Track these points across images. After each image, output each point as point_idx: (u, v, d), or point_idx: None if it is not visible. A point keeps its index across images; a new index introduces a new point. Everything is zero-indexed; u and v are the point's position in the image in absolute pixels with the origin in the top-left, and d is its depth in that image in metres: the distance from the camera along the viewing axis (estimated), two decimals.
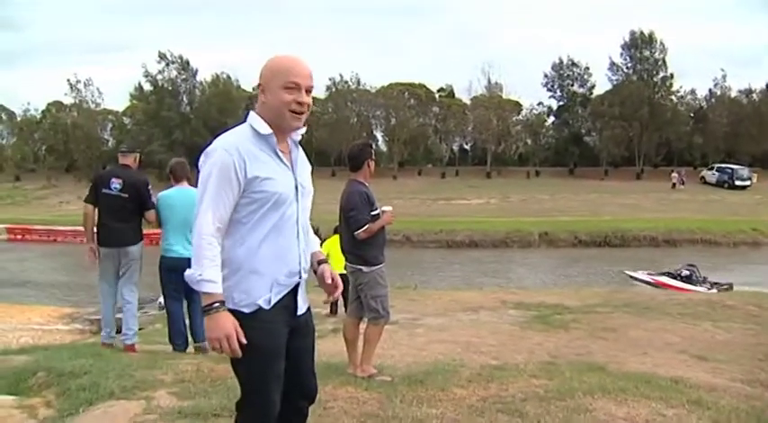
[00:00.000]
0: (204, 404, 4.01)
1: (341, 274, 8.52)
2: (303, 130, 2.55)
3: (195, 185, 2.59)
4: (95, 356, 4.85)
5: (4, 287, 19.31)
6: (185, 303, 6.47)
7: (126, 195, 6.13)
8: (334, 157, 60.04)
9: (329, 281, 2.63)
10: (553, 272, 23.69)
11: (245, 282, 2.39)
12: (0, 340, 10.47)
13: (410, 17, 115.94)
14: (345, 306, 9.80)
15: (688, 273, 18.36)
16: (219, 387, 4.33)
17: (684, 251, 26.57)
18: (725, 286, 17.06)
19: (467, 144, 67.55)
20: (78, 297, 15.87)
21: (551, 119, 62.48)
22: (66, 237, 31.21)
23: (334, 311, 9.99)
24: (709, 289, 16.64)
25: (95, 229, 6.24)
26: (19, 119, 69.52)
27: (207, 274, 2.27)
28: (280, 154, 2.43)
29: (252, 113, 2.45)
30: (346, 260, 5.09)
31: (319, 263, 2.68)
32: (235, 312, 2.35)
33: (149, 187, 6.34)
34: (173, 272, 5.91)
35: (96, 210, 6.23)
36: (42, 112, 67.43)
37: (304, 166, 2.57)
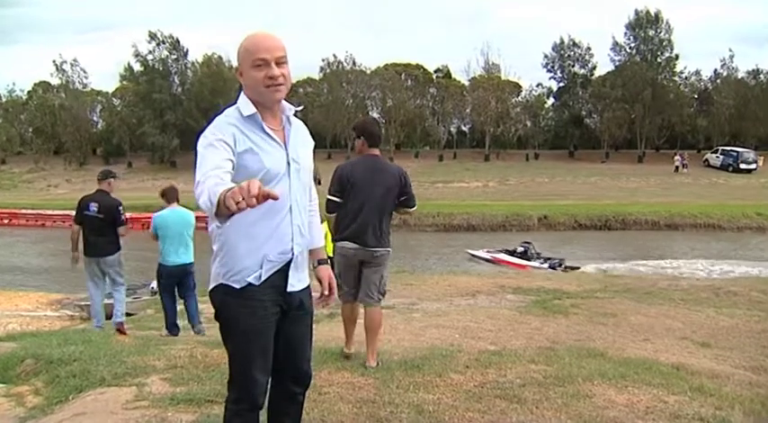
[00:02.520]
0: (197, 390, 3.95)
1: (331, 257, 8.42)
2: (299, 107, 2.61)
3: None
4: (85, 343, 4.79)
5: None
6: (181, 302, 7.83)
7: (102, 216, 7.69)
8: (330, 139, 59.93)
9: (326, 290, 2.71)
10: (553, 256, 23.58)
11: (236, 257, 2.42)
12: None
13: None
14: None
15: (523, 249, 19.85)
16: (213, 373, 4.27)
17: (686, 235, 26.53)
18: (556, 261, 18.92)
19: (465, 126, 67.31)
20: (67, 283, 15.74)
21: (551, 100, 62.14)
22: (55, 221, 30.82)
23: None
24: (541, 264, 18.80)
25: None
26: (4, 100, 68.26)
27: (209, 196, 2.05)
28: (269, 131, 2.44)
29: (241, 95, 2.48)
30: (379, 244, 4.81)
31: (319, 262, 2.75)
32: (225, 286, 2.42)
33: (120, 208, 7.83)
34: (169, 277, 7.51)
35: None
36: (28, 92, 66.28)
37: (301, 142, 2.58)
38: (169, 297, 7.60)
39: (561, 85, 60.13)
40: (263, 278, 2.42)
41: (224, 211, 1.94)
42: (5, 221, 34.75)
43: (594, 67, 59.25)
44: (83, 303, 11.08)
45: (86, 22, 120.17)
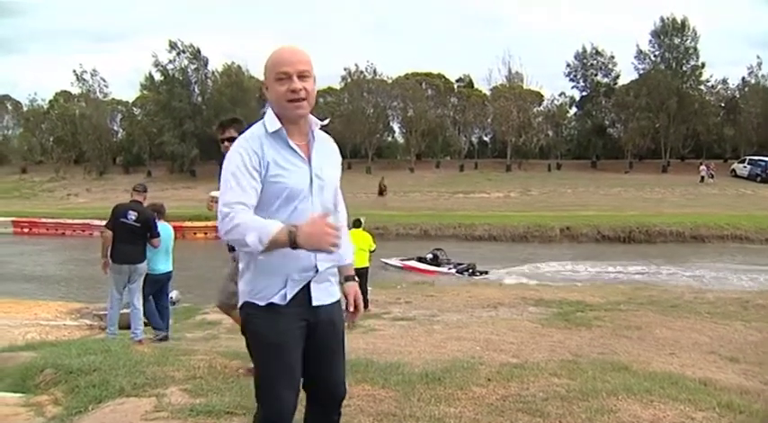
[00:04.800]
0: (217, 401, 3.92)
1: (360, 268, 8.40)
2: (325, 121, 2.58)
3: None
4: (104, 353, 4.78)
5: (10, 282, 19.30)
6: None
7: (139, 225, 7.99)
8: (350, 148, 60.01)
9: (351, 307, 2.69)
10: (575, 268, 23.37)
11: (261, 276, 2.43)
12: (6, 336, 10.50)
13: (427, 4, 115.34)
14: (363, 301, 9.74)
15: (432, 255, 20.47)
16: (233, 384, 4.25)
17: (713, 247, 26.09)
18: (464, 266, 19.60)
19: (486, 136, 67.11)
20: (87, 292, 15.89)
21: (574, 110, 61.65)
22: (75, 230, 31.21)
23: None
24: (450, 269, 19.49)
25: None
26: (25, 109, 69.23)
27: (258, 238, 2.19)
28: (294, 147, 2.44)
29: (268, 110, 2.48)
30: None
31: (346, 279, 2.71)
32: (250, 304, 2.45)
33: (156, 220, 8.26)
34: (155, 283, 8.41)
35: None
36: (49, 102, 66.97)
37: (325, 157, 2.55)
38: (149, 302, 8.39)
39: (584, 94, 59.71)
40: (288, 298, 2.42)
41: (275, 248, 2.19)
42: (26, 230, 35.14)
43: (618, 76, 58.79)
44: (102, 313, 11.15)
45: (106, 32, 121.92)
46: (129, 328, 8.11)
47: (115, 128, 65.48)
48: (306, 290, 2.46)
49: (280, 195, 2.38)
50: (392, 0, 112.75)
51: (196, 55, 59.04)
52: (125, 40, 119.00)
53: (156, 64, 58.48)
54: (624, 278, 18.90)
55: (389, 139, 66.61)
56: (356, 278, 2.78)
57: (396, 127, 64.86)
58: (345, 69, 61.11)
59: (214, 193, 5.47)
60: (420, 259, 20.58)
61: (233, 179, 2.33)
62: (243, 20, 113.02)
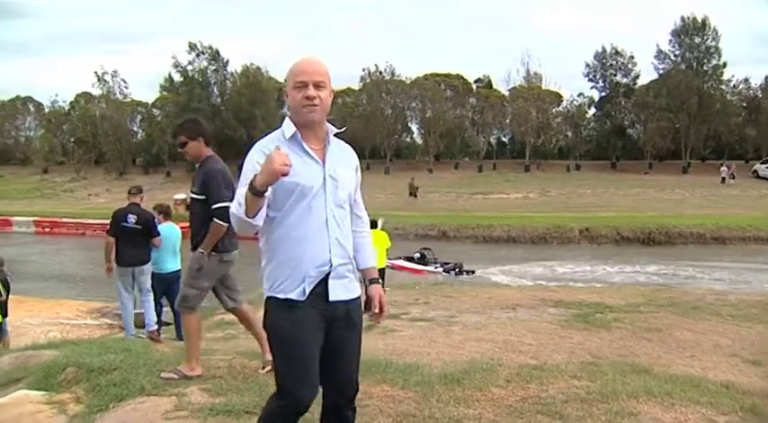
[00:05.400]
0: (236, 401, 3.95)
1: (380, 269, 8.44)
2: (341, 129, 2.80)
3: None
4: (125, 352, 4.83)
5: (31, 281, 19.49)
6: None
7: (140, 227, 8.31)
8: (369, 149, 60.01)
9: (377, 308, 2.84)
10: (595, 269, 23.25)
11: (279, 270, 2.61)
12: (28, 335, 10.65)
13: (446, 4, 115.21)
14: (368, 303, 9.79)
15: (419, 255, 20.83)
16: (252, 384, 4.28)
17: (734, 249, 25.78)
18: (451, 265, 20.02)
19: (505, 137, 66.98)
20: (106, 291, 16.02)
21: (593, 110, 61.30)
22: (96, 230, 31.36)
23: (368, 308, 9.92)
24: (436, 268, 19.88)
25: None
26: (47, 110, 70.18)
27: (237, 202, 2.48)
28: (309, 150, 2.64)
29: (286, 118, 2.72)
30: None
31: (370, 281, 2.86)
32: (271, 298, 2.62)
33: (155, 220, 8.61)
34: (160, 282, 8.68)
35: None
36: (70, 103, 67.81)
37: (340, 161, 2.73)
38: (156, 301, 8.74)
39: (603, 94, 59.35)
40: (307, 293, 2.57)
41: (254, 204, 2.39)
42: (47, 230, 35.63)
43: (638, 76, 58.38)
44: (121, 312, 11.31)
45: (127, 33, 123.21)
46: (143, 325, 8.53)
47: (135, 129, 66.08)
48: (324, 285, 2.60)
49: (292, 193, 2.56)
50: (411, 1, 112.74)
51: (215, 56, 59.42)
52: (145, 41, 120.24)
53: (176, 65, 59.06)
54: (644, 279, 18.77)
55: (408, 139, 66.61)
56: (379, 281, 2.88)
57: (414, 128, 64.91)
58: (364, 70, 61.30)
59: (177, 196, 5.89)
60: (408, 258, 20.81)
61: (244, 178, 2.52)
62: (262, 21, 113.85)
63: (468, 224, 30.00)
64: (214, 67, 59.43)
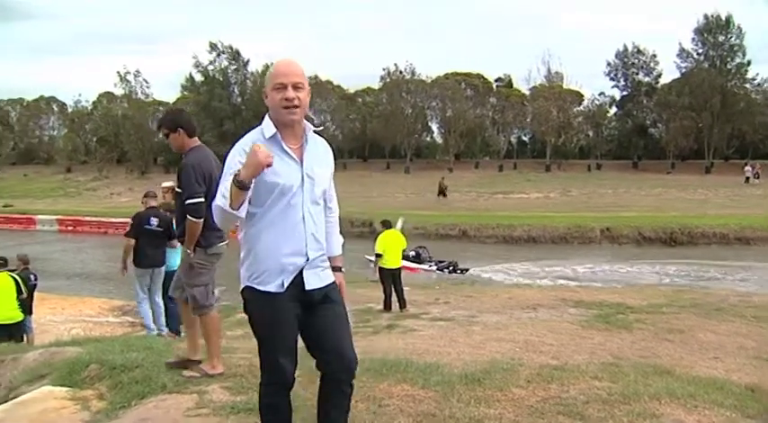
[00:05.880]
0: (257, 399, 3.96)
1: (396, 268, 8.46)
2: (319, 127, 2.98)
3: None
4: (147, 350, 4.88)
5: (55, 279, 19.76)
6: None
7: (161, 229, 8.44)
8: (389, 149, 60.00)
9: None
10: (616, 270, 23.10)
11: (258, 263, 2.79)
12: (52, 332, 10.79)
13: (466, 3, 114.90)
14: (400, 301, 9.82)
15: (415, 253, 21.19)
16: None
17: (758, 250, 25.40)
18: (445, 264, 20.65)
19: (525, 136, 66.69)
20: (127, 290, 16.19)
21: (614, 110, 60.87)
22: (118, 229, 31.73)
23: (388, 307, 9.96)
24: (430, 266, 20.59)
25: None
26: (70, 110, 71.14)
27: (222, 194, 2.67)
28: (288, 150, 2.79)
29: (266, 117, 2.86)
30: None
31: (334, 269, 3.01)
32: (249, 287, 2.82)
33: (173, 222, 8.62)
34: (169, 278, 8.33)
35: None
36: (93, 103, 68.64)
37: (317, 159, 2.88)
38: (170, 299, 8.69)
39: (625, 93, 58.88)
40: (285, 286, 2.77)
41: (238, 196, 2.57)
42: (70, 228, 36.06)
43: (660, 75, 57.86)
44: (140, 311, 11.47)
45: (149, 34, 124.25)
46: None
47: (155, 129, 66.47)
48: (300, 276, 2.79)
49: (273, 191, 2.73)
50: (431, 0, 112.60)
51: (235, 56, 59.76)
52: (167, 41, 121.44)
53: (197, 65, 59.48)
54: (666, 280, 18.61)
55: (428, 139, 66.53)
56: (342, 269, 3.06)
57: (434, 127, 64.87)
58: (384, 69, 61.32)
59: (165, 184, 6.06)
60: (403, 257, 20.97)
61: (224, 176, 2.72)
62: (283, 21, 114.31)
63: (489, 224, 29.92)
64: (234, 67, 59.76)
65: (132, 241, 8.50)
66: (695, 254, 24.44)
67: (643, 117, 58.85)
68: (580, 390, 4.33)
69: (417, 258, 21.02)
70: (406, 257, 21.18)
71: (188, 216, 4.50)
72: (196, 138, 4.80)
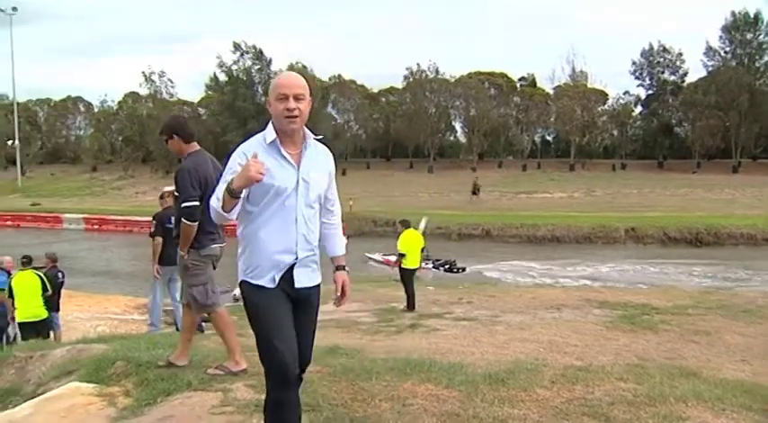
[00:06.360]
0: None
1: (413, 269, 8.49)
2: (319, 136, 3.09)
3: None
4: (172, 347, 4.91)
5: (81, 276, 20.03)
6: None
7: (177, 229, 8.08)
8: (412, 148, 59.93)
9: (339, 292, 3.15)
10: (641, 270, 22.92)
11: (252, 258, 2.98)
12: (79, 329, 10.95)
13: (490, 2, 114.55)
14: (410, 301, 9.89)
15: None
16: None
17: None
18: (441, 262, 20.82)
19: (549, 135, 66.31)
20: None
21: (639, 109, 60.27)
22: (143, 227, 32.10)
23: (411, 307, 9.96)
24: (426, 264, 19.53)
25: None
26: (96, 110, 71.91)
27: (216, 197, 2.84)
28: (285, 155, 2.96)
29: (269, 123, 3.01)
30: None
31: (337, 268, 3.20)
32: (244, 282, 2.99)
33: None
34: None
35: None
36: (119, 103, 69.13)
37: (314, 165, 3.04)
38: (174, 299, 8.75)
39: (650, 92, 58.28)
40: (276, 281, 2.95)
41: (230, 202, 2.75)
42: (96, 227, 36.55)
43: (686, 74, 57.21)
44: (168, 308, 11.58)
45: (174, 34, 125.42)
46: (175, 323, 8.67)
47: None
48: (290, 273, 2.97)
49: (268, 192, 2.89)
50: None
51: (259, 56, 59.94)
52: (191, 41, 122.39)
53: (221, 65, 59.71)
54: (691, 281, 18.39)
55: (451, 138, 66.38)
56: (345, 268, 3.19)
57: (458, 126, 64.68)
58: (407, 69, 61.24)
59: (167, 188, 6.18)
60: (402, 255, 21.36)
61: (224, 177, 2.90)
62: (307, 20, 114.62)
63: (513, 224, 29.81)
64: (258, 67, 59.96)
65: (160, 240, 8.48)
66: (722, 255, 24.16)
67: (669, 116, 58.19)
68: (605, 391, 4.30)
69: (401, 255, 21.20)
70: (403, 255, 21.75)
71: (183, 219, 4.62)
72: (195, 143, 4.91)
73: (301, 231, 2.97)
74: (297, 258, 2.97)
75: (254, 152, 2.83)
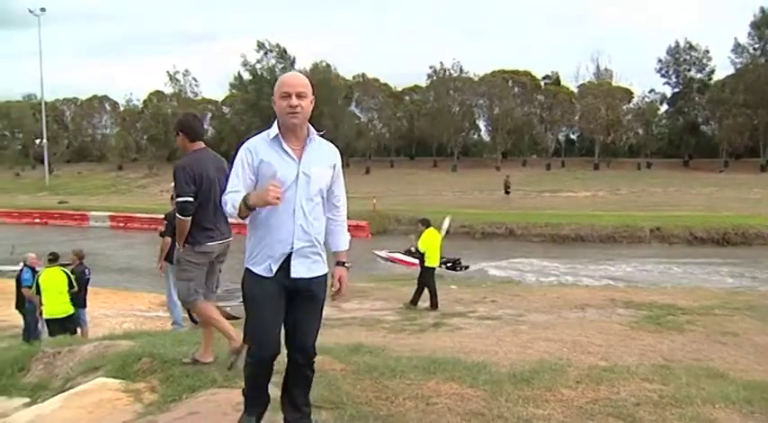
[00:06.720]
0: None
1: (434, 267, 8.51)
2: (321, 131, 3.26)
3: None
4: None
5: (107, 273, 20.22)
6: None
7: None
8: (436, 147, 59.79)
9: (336, 286, 3.28)
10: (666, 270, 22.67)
11: (253, 246, 3.17)
12: (104, 325, 11.08)
13: (514, 0, 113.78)
14: (415, 296, 9.97)
15: (416, 249, 20.48)
16: (321, 379, 4.31)
17: None
18: (444, 260, 20.01)
19: (574, 134, 65.75)
20: None
21: (665, 107, 59.60)
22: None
23: (434, 305, 9.96)
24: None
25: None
26: (122, 109, 72.74)
27: (232, 205, 3.05)
28: (287, 149, 3.14)
29: (275, 121, 3.20)
30: (230, 231, 4.95)
31: (337, 263, 3.33)
32: (246, 269, 3.18)
33: None
34: None
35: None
36: (144, 102, 69.96)
37: (316, 160, 3.18)
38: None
39: (676, 90, 57.63)
40: (273, 270, 3.11)
41: (245, 213, 2.99)
42: (121, 224, 36.90)
43: (713, 71, 56.55)
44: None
45: (198, 33, 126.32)
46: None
47: (205, 126, 67.03)
48: (287, 263, 3.12)
49: (269, 181, 3.01)
50: None
51: (283, 54, 60.20)
52: (216, 40, 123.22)
53: (245, 64, 60.11)
54: (718, 281, 18.16)
55: (475, 137, 66.11)
56: (345, 264, 3.32)
57: (482, 125, 64.41)
58: (431, 67, 61.13)
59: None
60: (406, 252, 22.00)
61: (233, 171, 3.16)
62: (330, 19, 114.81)
63: (536, 222, 29.63)
64: (282, 65, 60.18)
65: (168, 240, 8.58)
66: (749, 255, 23.80)
67: (695, 114, 57.50)
68: (630, 392, 4.27)
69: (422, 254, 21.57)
70: (408, 252, 22.00)
71: (177, 214, 4.70)
72: (200, 142, 4.97)
73: (299, 222, 3.11)
74: (293, 249, 3.11)
75: (272, 183, 2.96)
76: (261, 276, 3.14)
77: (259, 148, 3.16)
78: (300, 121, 3.14)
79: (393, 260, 22.77)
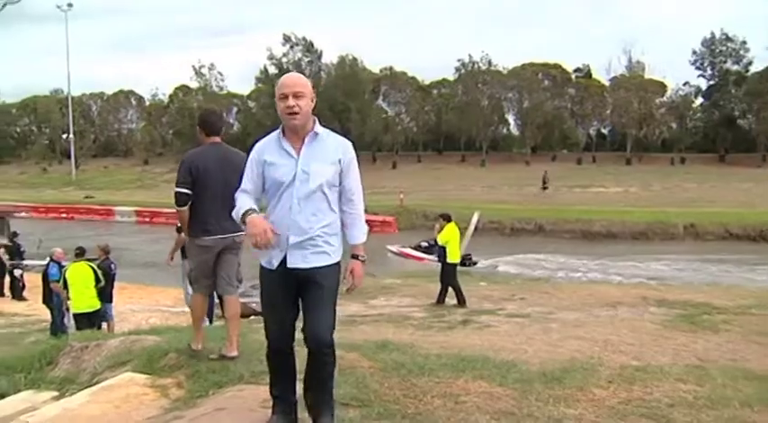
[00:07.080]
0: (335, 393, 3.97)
1: (456, 263, 8.48)
2: (321, 131, 3.33)
3: None
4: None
5: (133, 268, 20.52)
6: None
7: None
8: (464, 140, 59.47)
9: (349, 279, 3.34)
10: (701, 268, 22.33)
11: None
12: (131, 320, 11.19)
13: None
14: (442, 296, 9.95)
15: (427, 244, 22.58)
16: (349, 376, 4.29)
17: None
18: None
19: (605, 128, 65.00)
20: None
21: (700, 100, 58.78)
22: None
23: (462, 302, 9.92)
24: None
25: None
26: (147, 103, 73.64)
27: (236, 212, 3.24)
28: (287, 148, 3.27)
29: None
30: (238, 228, 4.91)
31: (352, 256, 3.38)
32: (260, 264, 3.32)
33: None
34: None
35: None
36: (169, 96, 70.72)
37: (316, 157, 3.26)
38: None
39: (711, 83, 56.75)
40: (275, 264, 3.24)
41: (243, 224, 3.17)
42: (147, 219, 37.37)
43: (750, 63, 55.65)
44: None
45: (224, 27, 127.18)
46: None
47: (231, 120, 67.66)
48: (285, 257, 3.24)
49: (272, 184, 3.24)
50: None
51: (309, 48, 60.29)
52: (242, 34, 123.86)
53: (271, 57, 60.38)
54: (755, 280, 17.81)
55: (504, 131, 65.67)
56: (360, 257, 3.35)
57: (511, 119, 64.00)
58: (459, 61, 60.85)
59: None
60: (416, 247, 23.02)
61: (245, 171, 3.34)
62: (358, 12, 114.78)
63: (567, 218, 29.39)
64: (308, 59, 60.33)
65: (184, 236, 8.67)
66: None
67: (731, 107, 56.53)
68: (664, 392, 4.18)
69: (429, 249, 21.95)
70: (417, 247, 22.89)
71: (175, 204, 4.79)
72: (216, 137, 5.02)
73: (295, 218, 3.20)
74: (288, 244, 3.22)
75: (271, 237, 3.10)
76: (267, 269, 3.29)
77: (264, 149, 3.30)
78: (300, 121, 3.24)
79: (403, 254, 23.21)
